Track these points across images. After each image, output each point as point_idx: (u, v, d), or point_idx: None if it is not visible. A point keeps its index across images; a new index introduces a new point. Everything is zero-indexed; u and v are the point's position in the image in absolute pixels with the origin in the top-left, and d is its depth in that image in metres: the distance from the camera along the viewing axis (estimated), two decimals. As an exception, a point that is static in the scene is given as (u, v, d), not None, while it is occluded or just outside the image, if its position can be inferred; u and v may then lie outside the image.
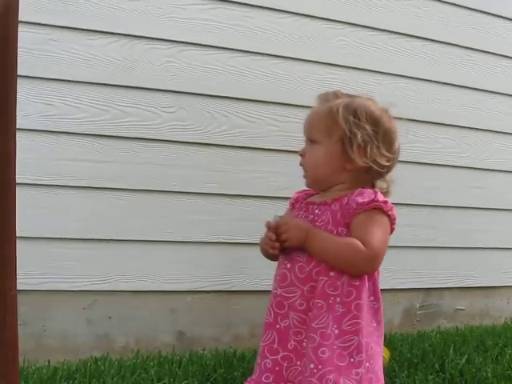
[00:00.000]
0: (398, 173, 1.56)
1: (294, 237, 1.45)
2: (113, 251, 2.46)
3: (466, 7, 3.15)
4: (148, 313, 2.51)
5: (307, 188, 1.60)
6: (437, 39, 3.07)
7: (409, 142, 2.98)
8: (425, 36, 3.04)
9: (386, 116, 1.53)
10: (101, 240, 2.43)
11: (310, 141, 1.53)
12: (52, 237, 2.36)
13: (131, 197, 2.49)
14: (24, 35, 2.27)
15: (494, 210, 3.26)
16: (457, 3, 3.12)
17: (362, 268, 1.44)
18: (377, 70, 2.91)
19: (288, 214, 1.61)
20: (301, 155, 1.55)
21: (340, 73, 2.82)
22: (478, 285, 3.24)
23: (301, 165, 1.55)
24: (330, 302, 1.42)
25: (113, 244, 2.46)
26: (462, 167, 3.17)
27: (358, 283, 1.44)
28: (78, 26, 2.41)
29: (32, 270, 2.33)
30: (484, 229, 3.23)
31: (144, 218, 2.50)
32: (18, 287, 2.29)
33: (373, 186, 1.53)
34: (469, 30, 3.16)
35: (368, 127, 1.47)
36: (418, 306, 3.11)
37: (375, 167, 1.48)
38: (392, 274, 2.96)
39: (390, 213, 1.47)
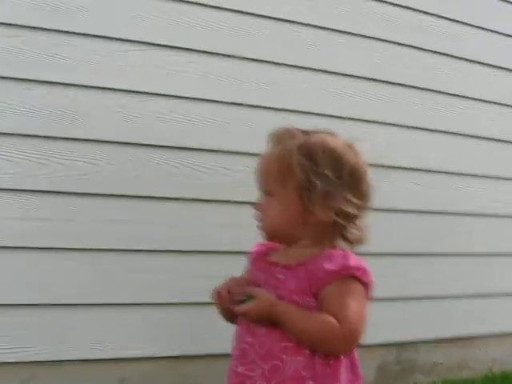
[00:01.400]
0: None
1: (254, 315, 1.27)
2: (54, 316, 2.24)
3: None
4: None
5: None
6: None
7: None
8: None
9: (350, 152, 1.32)
10: (39, 305, 2.21)
11: (265, 192, 1.34)
12: (-16, 303, 2.14)
13: (74, 256, 2.28)
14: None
15: (458, 256, 3.12)
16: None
17: (338, 348, 1.26)
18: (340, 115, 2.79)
19: (248, 274, 1.41)
20: (256, 209, 1.36)
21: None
22: (455, 335, 3.06)
23: (257, 219, 1.36)
24: None
25: (54, 309, 2.24)
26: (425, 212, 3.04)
27: (332, 361, 1.26)
28: (12, 76, 2.25)
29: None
30: (451, 277, 3.08)
31: (89, 279, 2.29)
32: None
33: (343, 237, 1.34)
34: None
35: (329, 172, 1.27)
36: (392, 361, 2.92)
37: (341, 221, 1.29)
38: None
39: (364, 280, 1.30)
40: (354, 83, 2.87)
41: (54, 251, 2.25)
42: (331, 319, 1.23)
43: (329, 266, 1.25)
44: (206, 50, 2.56)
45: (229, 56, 2.60)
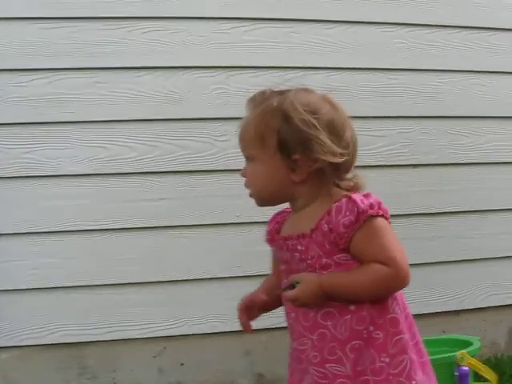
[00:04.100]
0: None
1: (304, 299, 1.24)
2: (178, 293, 2.34)
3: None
4: (222, 356, 2.35)
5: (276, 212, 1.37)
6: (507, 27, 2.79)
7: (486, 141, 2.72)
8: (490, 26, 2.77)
9: (326, 105, 1.27)
10: (164, 282, 2.32)
11: (247, 157, 1.31)
12: (113, 283, 2.27)
13: (192, 233, 2.37)
14: (69, 81, 2.31)
15: None
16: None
17: (397, 287, 1.25)
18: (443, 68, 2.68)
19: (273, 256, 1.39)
20: (242, 175, 1.32)
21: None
22: None
23: (245, 186, 1.32)
24: (365, 335, 1.22)
25: (177, 285, 2.34)
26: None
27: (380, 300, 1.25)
28: (123, 66, 2.36)
29: (97, 319, 2.24)
30: None
31: (208, 254, 2.37)
32: (84, 339, 2.24)
33: (338, 187, 1.29)
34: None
35: (304, 127, 1.23)
36: (525, 323, 2.77)
37: (328, 171, 1.25)
38: (490, 289, 2.65)
39: (381, 213, 1.24)
40: None
41: (176, 229, 2.35)
42: (377, 266, 1.21)
43: (344, 218, 1.22)
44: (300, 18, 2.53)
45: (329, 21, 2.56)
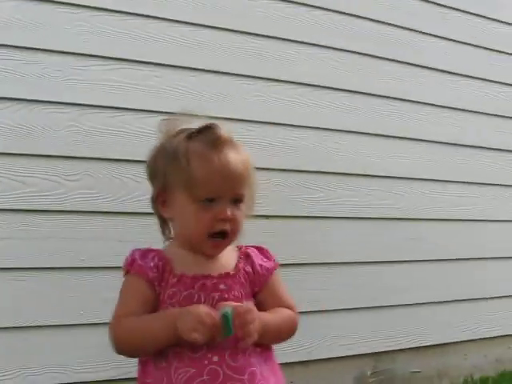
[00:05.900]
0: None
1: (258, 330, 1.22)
2: (14, 341, 2.15)
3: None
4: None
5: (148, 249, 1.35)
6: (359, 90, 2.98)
7: (337, 196, 2.85)
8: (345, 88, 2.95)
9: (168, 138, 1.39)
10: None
11: (237, 199, 1.39)
12: None
13: (33, 277, 2.20)
14: None
15: (431, 262, 3.08)
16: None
17: (295, 332, 1.37)
18: (300, 124, 2.78)
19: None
20: (231, 217, 1.37)
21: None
22: (432, 343, 3.01)
23: (228, 230, 1.37)
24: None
25: (14, 333, 2.15)
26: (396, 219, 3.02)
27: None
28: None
29: None
30: (425, 283, 3.03)
31: (49, 299, 2.21)
32: None
33: None
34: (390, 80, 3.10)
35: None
36: (369, 373, 2.86)
37: None
38: (336, 340, 2.72)
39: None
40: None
41: (13, 271, 2.18)
42: (290, 312, 1.32)
43: (264, 263, 1.33)
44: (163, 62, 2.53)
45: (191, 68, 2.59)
